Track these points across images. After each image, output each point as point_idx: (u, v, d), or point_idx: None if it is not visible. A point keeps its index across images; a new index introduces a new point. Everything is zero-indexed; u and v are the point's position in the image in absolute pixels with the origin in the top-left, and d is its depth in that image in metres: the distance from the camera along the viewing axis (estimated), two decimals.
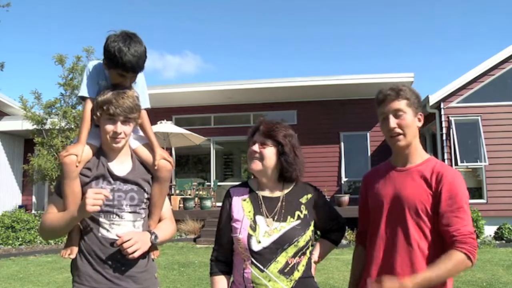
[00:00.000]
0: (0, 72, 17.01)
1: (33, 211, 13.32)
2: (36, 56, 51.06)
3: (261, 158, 1.81)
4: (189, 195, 12.19)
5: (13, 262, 7.90)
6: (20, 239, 9.41)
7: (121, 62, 1.70)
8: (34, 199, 14.44)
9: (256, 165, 1.82)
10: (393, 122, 1.74)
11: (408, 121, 1.75)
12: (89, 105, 1.80)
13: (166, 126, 11.22)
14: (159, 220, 1.95)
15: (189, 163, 15.04)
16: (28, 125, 11.17)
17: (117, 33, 1.74)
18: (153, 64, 60.58)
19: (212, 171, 14.04)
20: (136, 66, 1.75)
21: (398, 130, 1.74)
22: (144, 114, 1.89)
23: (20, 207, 12.80)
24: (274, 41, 48.49)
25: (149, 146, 1.91)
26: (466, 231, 1.61)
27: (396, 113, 1.75)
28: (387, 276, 1.59)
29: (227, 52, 53.82)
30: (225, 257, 1.86)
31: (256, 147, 1.82)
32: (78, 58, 11.17)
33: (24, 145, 14.44)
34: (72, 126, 10.71)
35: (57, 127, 10.80)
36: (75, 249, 1.76)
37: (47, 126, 10.97)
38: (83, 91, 1.82)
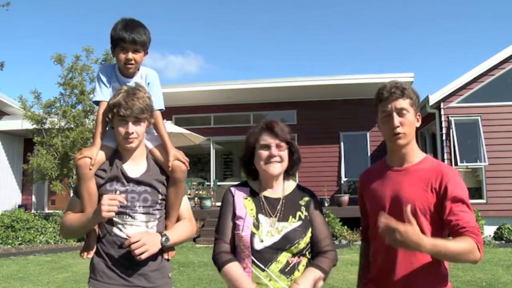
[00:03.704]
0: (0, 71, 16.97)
1: (32, 211, 13.30)
2: (36, 56, 51.06)
3: (281, 161, 1.81)
4: (189, 194, 12.19)
5: (12, 262, 7.89)
6: (19, 238, 9.40)
7: (117, 34, 1.82)
8: (33, 198, 14.43)
9: (277, 169, 1.81)
10: (397, 120, 1.73)
11: (410, 120, 1.75)
12: (102, 108, 1.86)
13: (166, 126, 11.12)
14: (178, 220, 1.95)
15: (189, 163, 14.90)
16: (27, 125, 11.15)
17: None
18: (155, 64, 60.66)
19: (212, 171, 14.04)
20: (132, 33, 1.82)
21: (401, 129, 1.73)
22: (157, 114, 1.92)
23: (19, 206, 12.80)
24: (275, 41, 48.49)
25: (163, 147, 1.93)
26: (475, 225, 1.60)
27: (400, 112, 1.73)
28: (408, 225, 1.46)
29: (228, 53, 53.83)
30: (229, 251, 1.82)
31: (275, 150, 1.80)
32: (77, 58, 11.15)
33: (24, 144, 14.44)
34: (72, 126, 10.70)
35: (56, 127, 10.79)
36: (92, 252, 1.82)
37: (46, 126, 10.96)
38: (95, 96, 1.90)
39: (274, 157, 1.80)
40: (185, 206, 1.99)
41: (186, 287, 5.81)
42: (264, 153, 1.80)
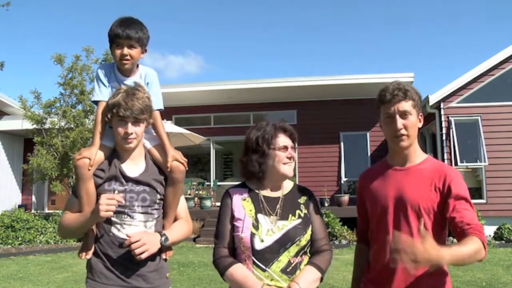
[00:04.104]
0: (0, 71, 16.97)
1: (32, 211, 13.31)
2: (36, 56, 51.07)
3: (293, 162, 1.84)
4: (189, 194, 12.18)
5: (12, 262, 7.89)
6: (19, 238, 9.40)
7: (113, 31, 1.83)
8: (33, 198, 14.43)
9: (292, 171, 1.84)
10: (399, 123, 1.73)
11: (413, 122, 1.75)
12: (101, 107, 1.85)
13: (166, 126, 11.00)
14: (175, 220, 1.95)
15: (189, 163, 14.73)
16: (27, 125, 11.15)
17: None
18: (155, 64, 60.68)
19: (212, 171, 14.04)
20: (127, 29, 1.82)
21: (404, 131, 1.73)
22: (156, 115, 1.91)
23: (19, 206, 12.79)
24: (275, 41, 48.50)
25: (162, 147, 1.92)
26: (478, 223, 1.60)
27: (403, 114, 1.73)
28: (425, 241, 1.39)
29: (228, 53, 53.84)
30: (228, 255, 1.82)
31: (292, 152, 1.83)
32: (77, 58, 11.15)
33: (24, 144, 14.44)
34: (72, 126, 10.70)
35: (56, 127, 10.79)
36: (90, 252, 1.82)
37: (46, 126, 10.96)
38: (94, 96, 1.90)
39: (291, 159, 1.82)
40: (182, 206, 1.99)
41: (186, 287, 5.82)
42: (283, 154, 1.81)
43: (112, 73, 1.92)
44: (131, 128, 1.77)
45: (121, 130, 1.77)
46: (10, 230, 9.52)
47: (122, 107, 1.73)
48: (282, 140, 1.82)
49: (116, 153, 1.86)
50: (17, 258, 8.23)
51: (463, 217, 1.60)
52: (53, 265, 7.46)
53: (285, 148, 1.81)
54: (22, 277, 6.56)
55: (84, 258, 1.81)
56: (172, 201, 1.90)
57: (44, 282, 6.23)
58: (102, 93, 1.88)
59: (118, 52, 1.84)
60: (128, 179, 1.82)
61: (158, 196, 1.86)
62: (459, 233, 1.60)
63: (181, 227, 1.95)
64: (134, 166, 1.86)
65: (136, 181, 1.82)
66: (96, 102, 1.90)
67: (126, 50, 1.84)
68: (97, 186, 1.80)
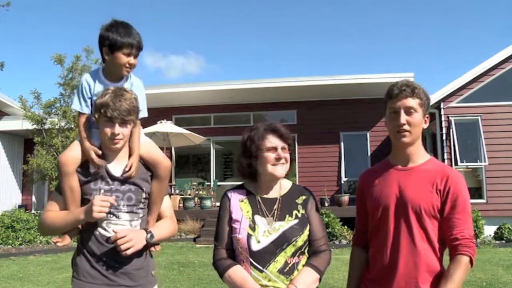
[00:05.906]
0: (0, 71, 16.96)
1: (32, 211, 13.30)
2: (36, 56, 51.08)
3: (285, 163, 1.83)
4: (189, 195, 12.17)
5: (13, 262, 7.89)
6: (20, 238, 9.40)
7: (121, 39, 1.79)
8: (34, 198, 14.43)
9: (283, 171, 1.83)
10: (403, 118, 1.73)
11: (417, 120, 1.75)
12: (83, 119, 1.86)
13: (166, 126, 11.20)
14: (160, 218, 1.96)
15: (189, 163, 15.02)
16: (28, 125, 11.16)
17: (107, 23, 1.84)
18: (156, 64, 60.65)
19: (212, 171, 14.03)
20: (135, 39, 1.82)
21: (407, 127, 1.74)
22: (137, 123, 1.88)
23: (19, 206, 12.80)
24: (276, 41, 48.50)
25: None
26: (468, 235, 1.63)
27: (408, 110, 1.74)
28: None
29: (229, 53, 53.85)
30: (229, 256, 1.83)
31: (282, 153, 1.81)
32: (77, 58, 11.16)
33: (24, 145, 14.44)
34: (72, 126, 10.70)
35: (56, 127, 10.80)
36: (66, 241, 1.82)
37: (46, 126, 10.97)
38: (80, 108, 1.87)
39: (281, 160, 1.81)
40: (167, 205, 2.00)
41: (186, 287, 5.82)
42: (271, 155, 1.80)
43: (96, 80, 1.87)
44: (118, 128, 1.77)
45: (108, 130, 1.77)
46: (10, 230, 9.52)
47: (109, 107, 1.73)
48: (270, 141, 1.81)
49: (102, 153, 1.86)
50: (17, 258, 8.23)
51: (452, 229, 1.65)
52: (53, 265, 7.46)
53: (274, 149, 1.80)
54: (22, 277, 6.56)
55: (55, 241, 1.82)
56: (157, 197, 1.91)
57: (44, 282, 6.23)
58: (86, 107, 1.86)
59: (125, 60, 1.81)
60: (114, 178, 1.82)
61: (144, 195, 1.86)
62: (450, 250, 1.67)
63: (166, 225, 1.96)
64: (120, 166, 1.86)
65: (122, 180, 1.83)
66: (79, 113, 1.88)
67: (133, 60, 1.84)
68: (82, 184, 1.80)
